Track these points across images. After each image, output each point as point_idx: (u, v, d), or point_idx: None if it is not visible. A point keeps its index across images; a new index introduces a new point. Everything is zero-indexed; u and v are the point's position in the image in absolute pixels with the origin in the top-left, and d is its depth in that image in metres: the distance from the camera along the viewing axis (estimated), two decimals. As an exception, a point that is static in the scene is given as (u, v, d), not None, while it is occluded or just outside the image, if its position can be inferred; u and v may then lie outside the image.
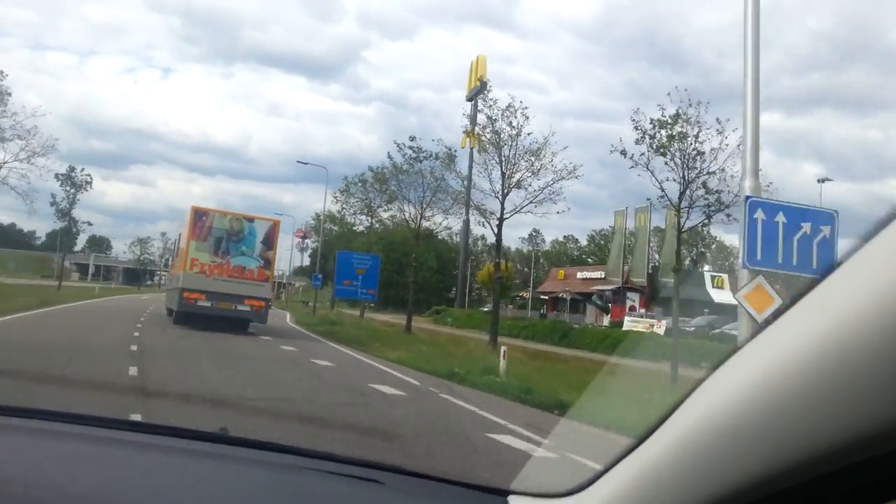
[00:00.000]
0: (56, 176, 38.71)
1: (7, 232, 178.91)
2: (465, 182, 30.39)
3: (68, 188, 39.00)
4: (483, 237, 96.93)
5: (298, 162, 43.92)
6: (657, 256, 48.02)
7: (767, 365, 0.71)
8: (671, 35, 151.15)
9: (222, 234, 20.73)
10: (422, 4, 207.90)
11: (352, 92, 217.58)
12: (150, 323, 21.45)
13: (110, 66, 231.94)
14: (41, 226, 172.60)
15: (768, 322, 0.75)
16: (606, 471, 1.00)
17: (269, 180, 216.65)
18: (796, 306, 0.72)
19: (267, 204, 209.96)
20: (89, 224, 41.43)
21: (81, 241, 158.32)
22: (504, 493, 1.32)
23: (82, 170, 39.75)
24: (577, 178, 22.56)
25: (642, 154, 16.10)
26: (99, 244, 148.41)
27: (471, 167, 38.41)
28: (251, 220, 21.59)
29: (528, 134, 22.21)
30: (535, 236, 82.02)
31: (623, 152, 16.42)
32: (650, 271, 43.90)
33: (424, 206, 29.40)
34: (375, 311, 53.99)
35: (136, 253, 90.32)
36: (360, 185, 37.54)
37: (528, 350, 24.57)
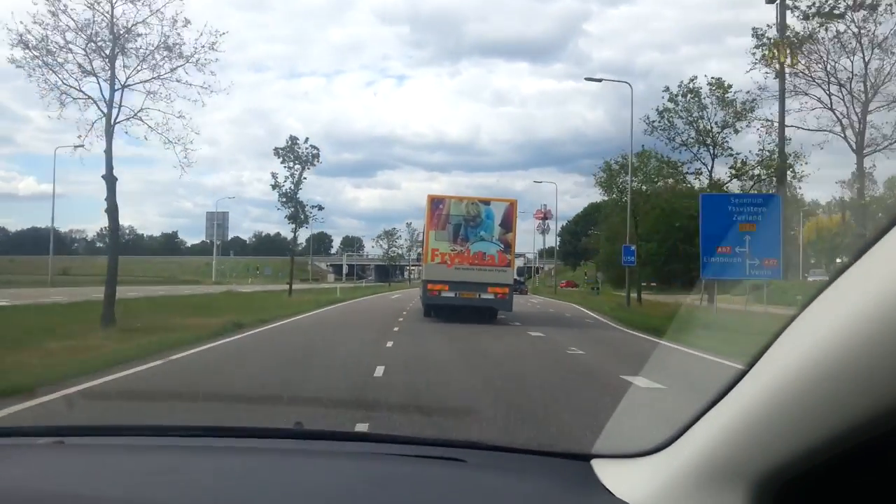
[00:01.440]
0: (275, 151, 30.86)
1: (273, 241, 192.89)
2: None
3: (291, 164, 30.95)
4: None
5: (587, 79, 29.86)
6: None
7: (851, 311, 0.68)
8: None
9: (460, 220, 19.76)
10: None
11: (574, 68, 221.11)
12: (405, 332, 16.02)
13: (353, 82, 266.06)
14: (303, 232, 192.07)
15: (845, 266, 0.73)
16: (689, 427, 0.99)
17: (499, 169, 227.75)
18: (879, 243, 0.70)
19: (500, 191, 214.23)
20: (320, 208, 32.07)
21: (336, 244, 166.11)
22: (587, 458, 1.34)
23: (306, 140, 31.55)
24: None
25: None
26: (351, 244, 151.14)
27: (782, 90, 25.04)
28: (487, 202, 20.37)
29: None
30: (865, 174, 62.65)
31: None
32: None
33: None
34: (658, 292, 41.42)
35: (383, 248, 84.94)
36: (691, 96, 24.54)
37: None
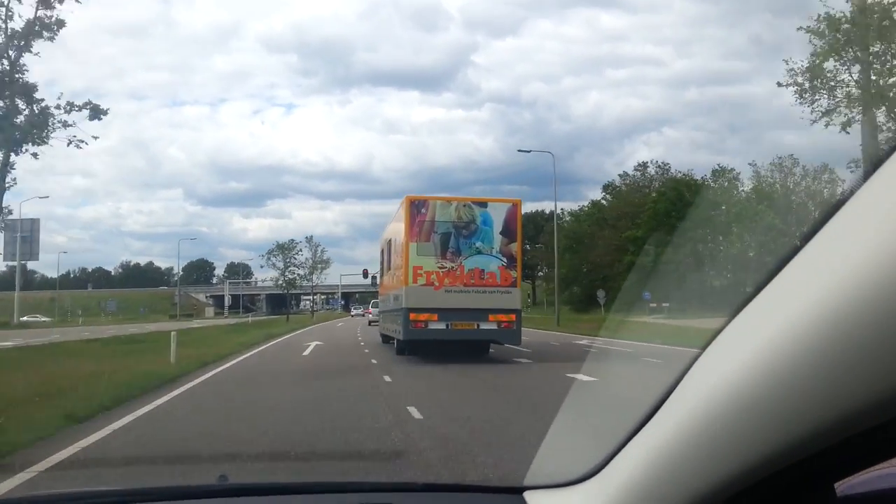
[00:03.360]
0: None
1: (144, 271, 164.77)
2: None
3: None
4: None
5: (519, 150, 30.79)
6: None
7: (769, 334, 0.66)
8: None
9: (448, 228, 15.30)
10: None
11: (464, 98, 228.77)
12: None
13: (239, 111, 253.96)
14: (180, 262, 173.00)
15: (758, 289, 0.71)
16: (617, 452, 0.98)
17: (393, 196, 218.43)
18: (786, 269, 0.68)
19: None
20: (97, 112, 10.48)
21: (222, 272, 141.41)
22: (519, 491, 1.32)
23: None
24: None
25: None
26: (237, 272, 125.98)
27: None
28: (483, 204, 15.86)
29: None
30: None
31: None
32: None
33: None
34: (674, 316, 23.93)
35: (277, 267, 62.10)
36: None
37: None
